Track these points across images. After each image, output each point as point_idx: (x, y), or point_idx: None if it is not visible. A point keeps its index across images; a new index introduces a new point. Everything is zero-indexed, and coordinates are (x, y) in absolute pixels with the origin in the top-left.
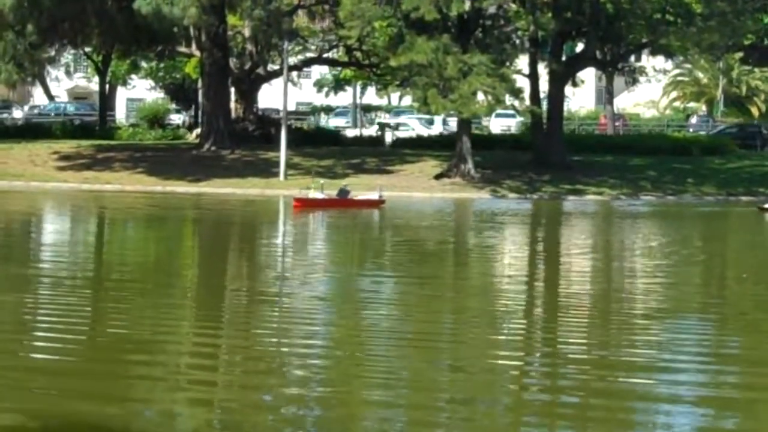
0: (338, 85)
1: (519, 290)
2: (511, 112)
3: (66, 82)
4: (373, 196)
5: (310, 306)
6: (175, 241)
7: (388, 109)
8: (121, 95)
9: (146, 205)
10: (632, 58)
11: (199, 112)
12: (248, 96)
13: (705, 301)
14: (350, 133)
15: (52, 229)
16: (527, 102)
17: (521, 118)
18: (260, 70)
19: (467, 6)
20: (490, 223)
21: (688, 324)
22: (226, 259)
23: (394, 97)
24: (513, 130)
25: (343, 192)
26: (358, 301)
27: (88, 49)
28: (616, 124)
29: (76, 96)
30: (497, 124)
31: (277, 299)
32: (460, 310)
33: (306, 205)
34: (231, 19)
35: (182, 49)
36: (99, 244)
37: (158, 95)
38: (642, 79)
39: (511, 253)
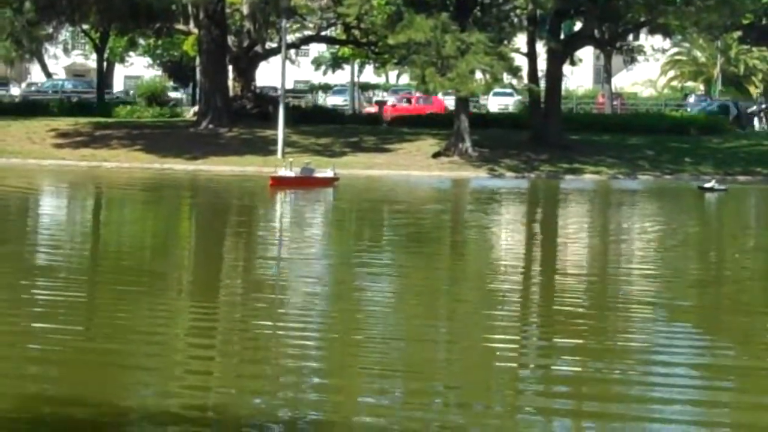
0: (336, 63)
1: (494, 286)
2: (509, 90)
3: (64, 60)
4: (329, 174)
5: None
6: (164, 219)
7: (386, 87)
8: (119, 73)
9: (141, 182)
10: (630, 36)
11: (197, 90)
12: (246, 74)
13: (699, 288)
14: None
15: (50, 206)
16: (525, 81)
17: (519, 97)
18: (258, 48)
19: None
20: (443, 204)
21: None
22: (214, 239)
23: (392, 75)
24: (511, 109)
25: (307, 170)
26: (351, 280)
27: (86, 27)
28: (614, 103)
29: (74, 73)
30: (495, 103)
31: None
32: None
33: (280, 183)
34: None
35: (180, 26)
36: (91, 221)
37: (156, 73)
38: (640, 58)
39: (478, 239)
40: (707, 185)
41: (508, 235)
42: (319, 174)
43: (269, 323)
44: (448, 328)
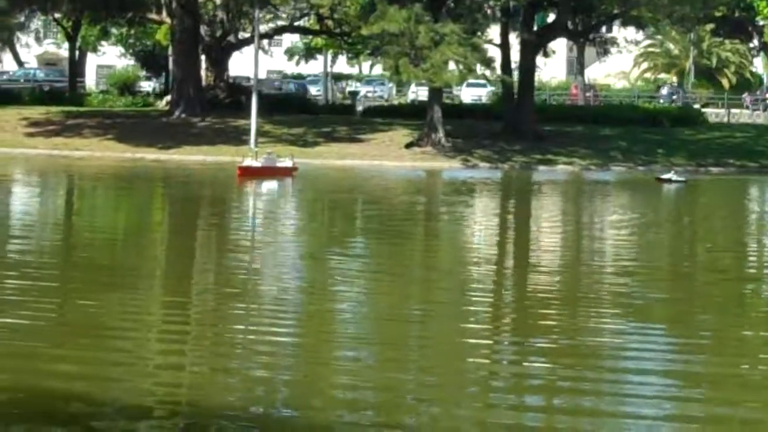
0: (309, 53)
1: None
2: (483, 81)
3: (36, 48)
4: (288, 163)
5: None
6: (134, 210)
7: (359, 78)
8: (91, 62)
9: (113, 171)
10: (603, 28)
11: (170, 80)
12: (219, 63)
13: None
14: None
15: (19, 196)
16: (498, 72)
17: (492, 88)
18: (231, 38)
19: None
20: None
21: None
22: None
23: (366, 65)
24: (484, 100)
25: (269, 160)
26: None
27: (58, 15)
28: (587, 94)
29: (46, 62)
30: (468, 94)
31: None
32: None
33: (246, 173)
34: None
35: (153, 15)
36: (59, 212)
37: (128, 62)
38: (613, 49)
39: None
40: (665, 176)
41: (479, 228)
42: (280, 164)
43: (240, 323)
44: (420, 326)
